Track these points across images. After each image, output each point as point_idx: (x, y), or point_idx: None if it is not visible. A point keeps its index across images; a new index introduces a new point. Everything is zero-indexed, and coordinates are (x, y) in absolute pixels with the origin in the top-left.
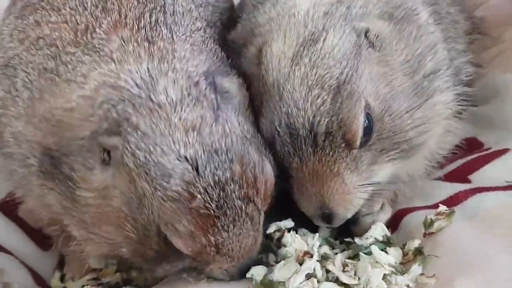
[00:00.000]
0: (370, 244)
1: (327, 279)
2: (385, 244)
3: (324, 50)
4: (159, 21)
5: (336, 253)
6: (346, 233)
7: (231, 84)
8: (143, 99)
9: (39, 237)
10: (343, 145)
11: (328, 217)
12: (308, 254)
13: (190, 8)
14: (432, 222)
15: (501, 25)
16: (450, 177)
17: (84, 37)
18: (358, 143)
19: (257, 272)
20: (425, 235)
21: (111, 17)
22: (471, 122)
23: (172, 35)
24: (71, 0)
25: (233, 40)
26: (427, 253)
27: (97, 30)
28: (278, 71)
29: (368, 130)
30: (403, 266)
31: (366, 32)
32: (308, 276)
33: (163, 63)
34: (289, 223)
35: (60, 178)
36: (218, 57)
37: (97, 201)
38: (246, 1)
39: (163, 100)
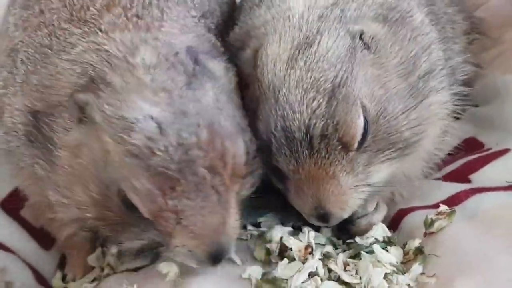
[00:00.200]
0: (371, 244)
1: (329, 278)
2: (386, 243)
3: (318, 53)
4: (152, 3)
5: (339, 253)
6: (346, 234)
7: (215, 65)
8: (120, 60)
9: (41, 237)
10: (339, 147)
11: (323, 217)
12: (309, 248)
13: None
14: (432, 222)
15: (501, 26)
16: (451, 177)
17: (78, 15)
18: (355, 146)
19: (254, 272)
20: (425, 234)
21: None
22: (472, 122)
23: (163, 15)
24: None
25: (230, 42)
26: (427, 253)
27: (91, 8)
28: (274, 74)
29: (364, 132)
30: (404, 266)
31: (361, 34)
32: (311, 275)
33: (147, 33)
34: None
35: (41, 141)
36: (210, 43)
37: (70, 160)
38: (243, 3)
39: (138, 62)
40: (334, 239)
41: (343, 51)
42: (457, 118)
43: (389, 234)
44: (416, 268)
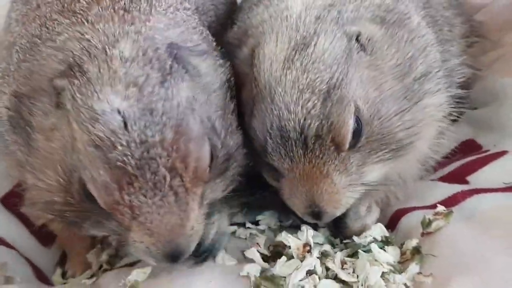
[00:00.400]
0: (369, 243)
1: (326, 276)
2: (384, 243)
3: (315, 54)
4: None
5: (336, 252)
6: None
7: (201, 62)
8: (99, 50)
9: (41, 233)
10: (332, 147)
11: (317, 215)
12: (307, 246)
13: None
14: (430, 222)
15: (501, 29)
16: (448, 178)
17: (69, 7)
18: (347, 146)
19: (253, 270)
20: (423, 234)
21: None
22: (470, 124)
23: (151, 8)
24: None
25: (228, 40)
26: (424, 253)
27: (81, 1)
28: (270, 74)
29: (357, 133)
30: (401, 265)
31: (358, 36)
32: (309, 273)
33: (131, 27)
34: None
35: (22, 126)
36: (201, 36)
37: (44, 143)
38: (243, 3)
39: (115, 54)
40: (332, 238)
41: (339, 53)
42: (455, 121)
43: (387, 233)
44: (413, 267)
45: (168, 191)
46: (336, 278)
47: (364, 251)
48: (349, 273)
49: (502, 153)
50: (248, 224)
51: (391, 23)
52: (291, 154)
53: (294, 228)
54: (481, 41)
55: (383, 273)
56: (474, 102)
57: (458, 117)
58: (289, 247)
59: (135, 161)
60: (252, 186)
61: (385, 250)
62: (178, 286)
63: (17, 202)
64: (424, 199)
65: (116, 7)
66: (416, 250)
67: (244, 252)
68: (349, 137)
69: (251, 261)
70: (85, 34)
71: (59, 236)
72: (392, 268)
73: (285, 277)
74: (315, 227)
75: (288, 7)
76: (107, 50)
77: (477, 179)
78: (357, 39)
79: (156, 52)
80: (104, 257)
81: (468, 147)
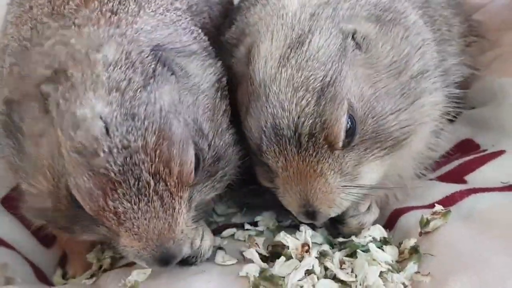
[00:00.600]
0: (367, 243)
1: (325, 276)
2: (382, 242)
3: (309, 52)
4: None
5: (335, 252)
6: (337, 234)
7: (189, 63)
8: (82, 55)
9: (42, 234)
10: (326, 146)
11: (311, 215)
12: (306, 246)
13: None
14: (428, 222)
15: (499, 29)
16: (446, 178)
17: (58, 9)
18: (340, 144)
19: (251, 270)
20: (421, 234)
21: None
22: (468, 124)
23: (139, 9)
24: None
25: (227, 40)
26: (422, 252)
27: (70, 3)
28: (265, 72)
29: (351, 132)
30: (399, 264)
31: (353, 34)
32: (308, 273)
33: (116, 29)
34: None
35: (13, 131)
36: (192, 36)
37: (33, 149)
38: (240, 3)
39: (98, 58)
40: (331, 237)
41: (334, 50)
42: (452, 121)
43: (385, 235)
44: (411, 267)
45: (153, 196)
46: (334, 278)
47: (362, 251)
48: (347, 273)
49: (500, 152)
50: (247, 226)
51: (387, 21)
52: (285, 152)
53: (293, 228)
54: (479, 41)
55: (381, 272)
56: (472, 101)
57: (455, 116)
58: (288, 247)
59: (118, 167)
60: (251, 186)
61: (383, 250)
62: (177, 286)
63: (17, 203)
64: (422, 198)
65: (103, 9)
66: (414, 250)
67: (243, 253)
68: (342, 135)
69: (250, 261)
70: (70, 38)
71: (59, 237)
72: (390, 268)
73: (284, 277)
74: (313, 227)
75: (284, 5)
76: (91, 54)
77: (475, 178)
78: (352, 37)
79: (140, 55)
80: (104, 257)
81: (466, 146)
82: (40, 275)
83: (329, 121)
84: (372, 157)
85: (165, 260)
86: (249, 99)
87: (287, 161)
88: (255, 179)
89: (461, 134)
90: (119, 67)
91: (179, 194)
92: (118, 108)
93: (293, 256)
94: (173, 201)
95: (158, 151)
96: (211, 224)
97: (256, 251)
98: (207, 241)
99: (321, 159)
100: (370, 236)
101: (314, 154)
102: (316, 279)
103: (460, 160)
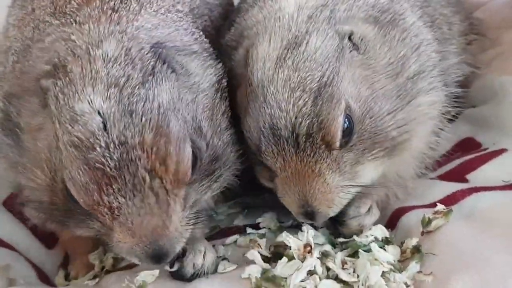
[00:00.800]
0: (369, 242)
1: (327, 277)
2: (384, 242)
3: (306, 53)
4: None
5: (337, 252)
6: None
7: (190, 62)
8: (83, 51)
9: (44, 235)
10: (323, 146)
11: (311, 215)
12: (308, 246)
13: None
14: (429, 221)
15: (499, 27)
16: (448, 177)
17: (60, 8)
18: (337, 144)
19: (253, 271)
20: (422, 233)
21: None
22: (469, 122)
23: (140, 8)
24: None
25: (226, 43)
26: (424, 251)
27: (72, 2)
28: (263, 73)
29: (348, 132)
30: (401, 264)
31: (350, 35)
32: (310, 273)
33: (116, 26)
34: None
35: (11, 128)
36: (192, 37)
37: (32, 143)
38: (240, 5)
39: (99, 54)
40: (332, 237)
41: (331, 51)
42: (452, 120)
43: (387, 234)
44: (413, 266)
45: (148, 193)
46: (336, 278)
47: (364, 251)
48: (349, 273)
49: (501, 151)
50: (249, 230)
51: (385, 22)
52: (283, 152)
53: (295, 228)
54: (480, 39)
55: (383, 272)
56: (473, 100)
57: (455, 115)
58: (290, 247)
59: (114, 163)
60: (252, 187)
61: (385, 249)
62: (180, 287)
63: (19, 204)
64: (423, 198)
65: (105, 7)
66: (416, 249)
67: (245, 254)
68: (339, 134)
69: (252, 262)
70: (71, 34)
71: (61, 238)
72: (392, 267)
73: (286, 278)
74: (315, 226)
75: (281, 8)
76: (91, 50)
77: (476, 177)
78: (349, 38)
79: (139, 52)
80: (107, 258)
81: (467, 145)
82: (43, 277)
83: (326, 121)
84: (371, 158)
85: (157, 257)
86: (248, 100)
87: (285, 161)
88: (255, 179)
89: (462, 132)
90: (118, 63)
91: (174, 191)
92: (116, 104)
93: (295, 256)
94: (168, 198)
95: (155, 148)
96: (213, 228)
97: (258, 252)
98: (209, 258)
99: (319, 159)
100: (372, 236)
101: (312, 154)
102: (318, 280)
103: (461, 159)
